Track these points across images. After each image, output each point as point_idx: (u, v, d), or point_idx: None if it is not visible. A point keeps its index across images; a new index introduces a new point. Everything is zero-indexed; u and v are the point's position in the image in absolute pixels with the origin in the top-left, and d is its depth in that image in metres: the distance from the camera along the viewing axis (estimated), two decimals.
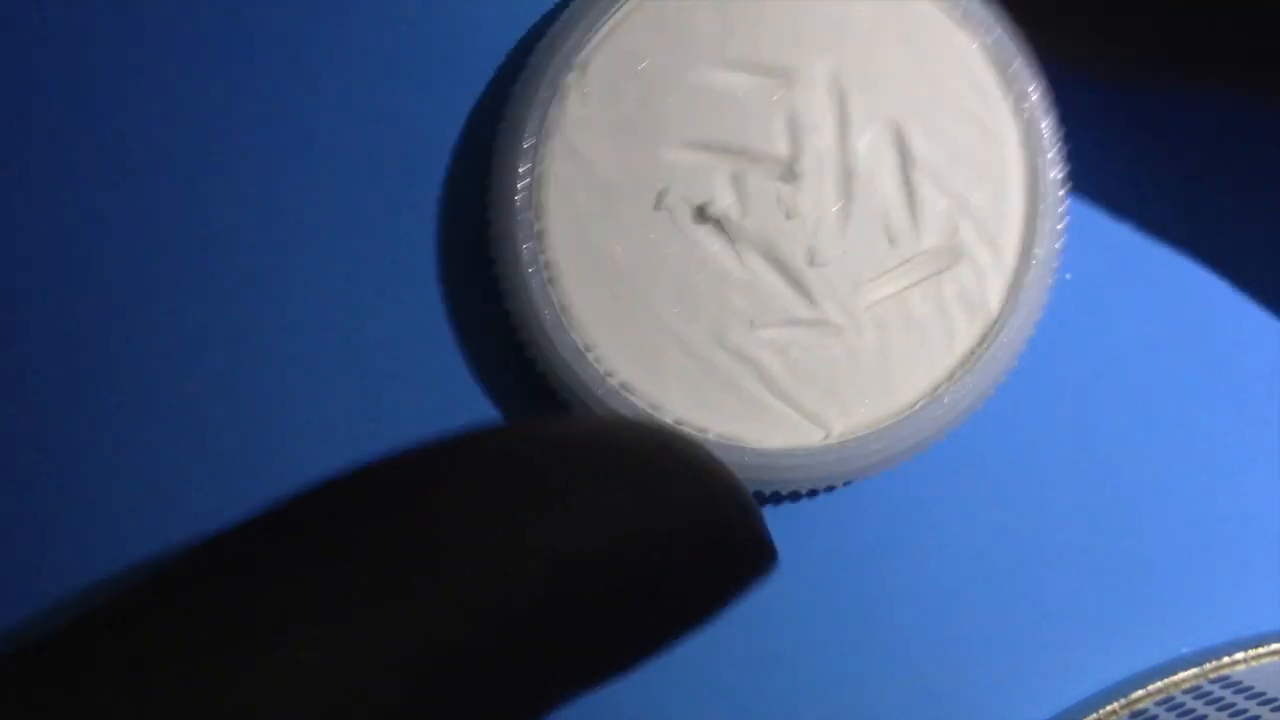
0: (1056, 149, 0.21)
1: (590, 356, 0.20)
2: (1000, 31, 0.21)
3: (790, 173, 0.20)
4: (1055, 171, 0.21)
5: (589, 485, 0.14)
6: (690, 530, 0.15)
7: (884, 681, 0.22)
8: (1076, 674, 0.22)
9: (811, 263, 0.20)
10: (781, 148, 0.20)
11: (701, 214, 0.20)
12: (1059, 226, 0.21)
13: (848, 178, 0.20)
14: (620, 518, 0.14)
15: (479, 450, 0.15)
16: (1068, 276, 0.23)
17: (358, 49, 0.22)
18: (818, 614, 0.22)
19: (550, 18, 0.22)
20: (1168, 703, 0.21)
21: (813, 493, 0.21)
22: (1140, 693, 0.22)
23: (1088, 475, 0.22)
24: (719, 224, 0.20)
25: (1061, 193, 0.21)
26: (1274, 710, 0.20)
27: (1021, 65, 0.21)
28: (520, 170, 0.20)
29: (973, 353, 0.20)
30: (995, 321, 0.20)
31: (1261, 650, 0.22)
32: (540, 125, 0.20)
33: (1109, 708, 0.21)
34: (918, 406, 0.20)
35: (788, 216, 0.20)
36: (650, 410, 0.20)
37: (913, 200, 0.21)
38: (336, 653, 0.11)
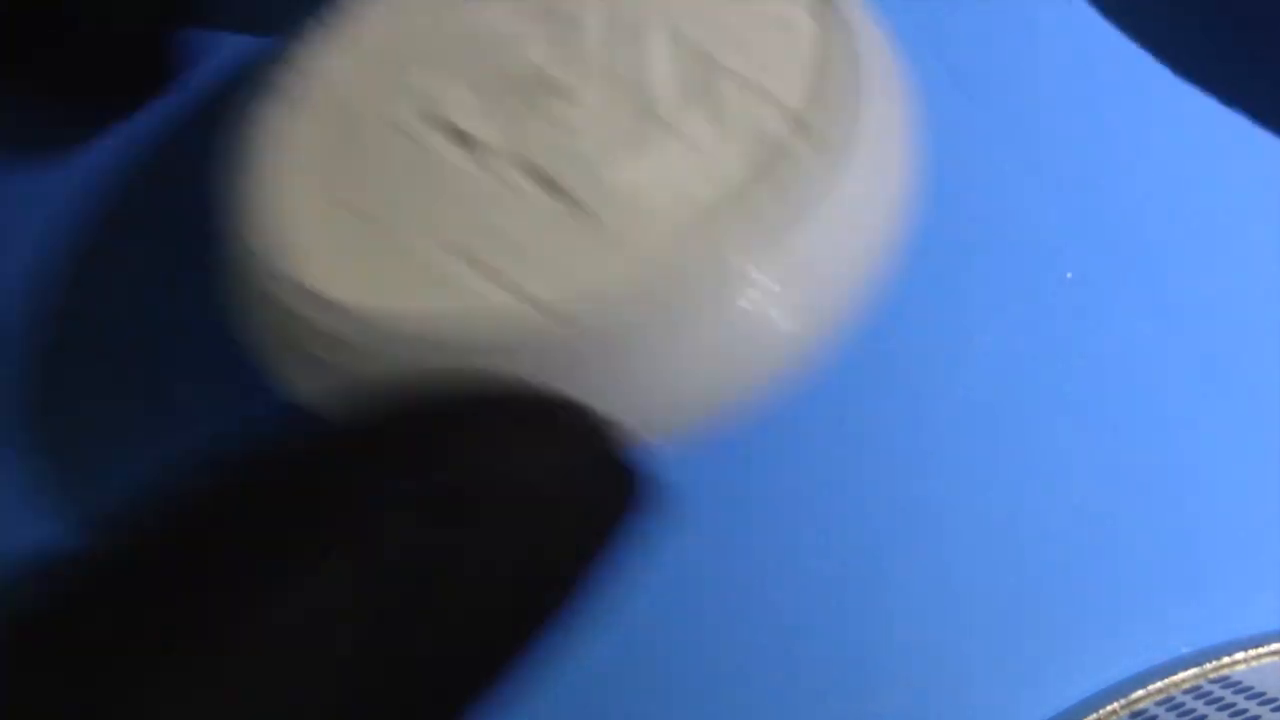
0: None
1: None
2: None
3: (568, 91, 0.19)
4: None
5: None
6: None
7: (885, 681, 0.22)
8: (1076, 674, 0.22)
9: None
10: (554, 66, 0.19)
11: (464, 138, 0.19)
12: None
13: (636, 83, 0.19)
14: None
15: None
16: (1068, 275, 0.23)
17: None
18: (814, 612, 0.22)
19: None
20: (1168, 703, 0.21)
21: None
22: (1140, 693, 0.21)
23: (1088, 475, 0.22)
24: (481, 144, 0.19)
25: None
26: (1274, 710, 0.20)
27: None
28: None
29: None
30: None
31: (1261, 650, 0.22)
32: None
33: (1109, 708, 0.21)
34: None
35: (551, 117, 0.19)
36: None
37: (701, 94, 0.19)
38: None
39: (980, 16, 0.23)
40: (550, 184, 0.18)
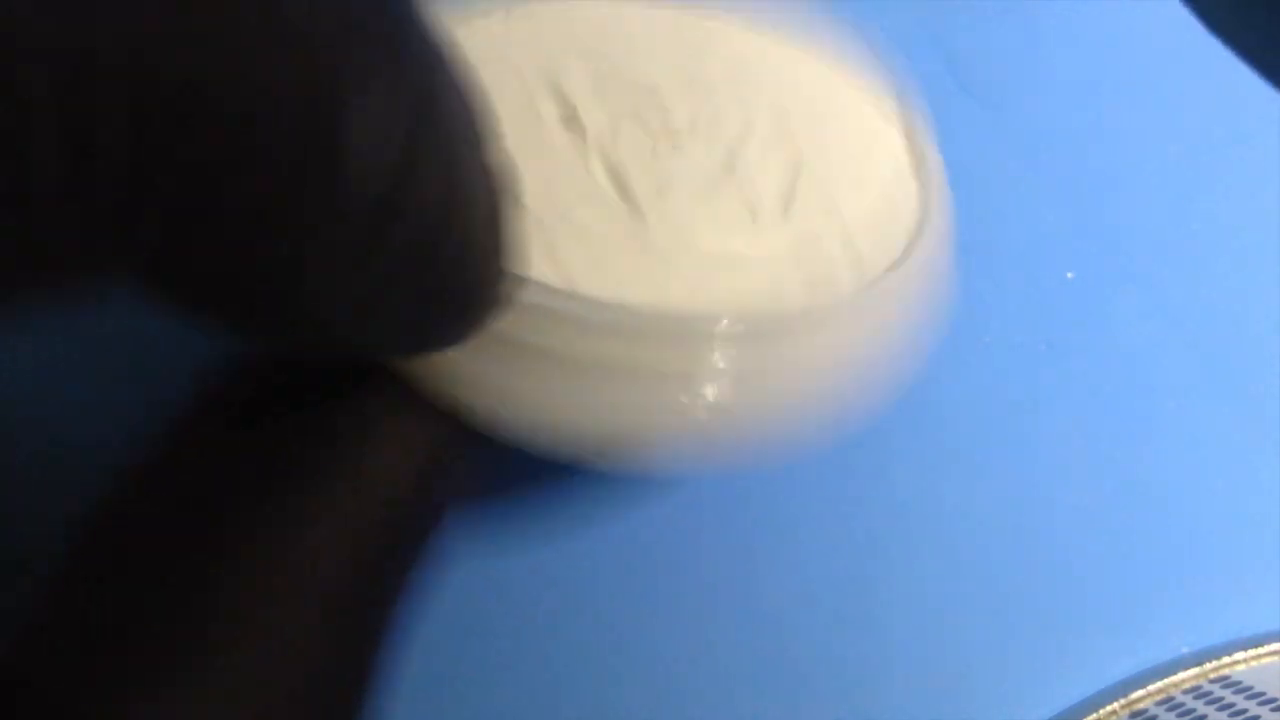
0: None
1: None
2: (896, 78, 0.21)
3: (674, 122, 0.20)
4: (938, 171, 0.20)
5: None
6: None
7: (886, 680, 0.22)
8: (1076, 674, 0.22)
9: (658, 194, 0.19)
10: (678, 103, 0.20)
11: (570, 122, 0.20)
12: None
13: (732, 154, 0.20)
14: None
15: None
16: (1069, 275, 0.23)
17: None
18: (815, 612, 0.22)
19: None
20: (1168, 703, 0.21)
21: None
22: (1140, 693, 0.21)
23: (1089, 475, 0.22)
24: (584, 135, 0.19)
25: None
26: (1274, 710, 0.20)
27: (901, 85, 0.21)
28: None
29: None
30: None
31: (1261, 650, 0.22)
32: None
33: (1109, 708, 0.21)
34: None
35: (654, 148, 0.20)
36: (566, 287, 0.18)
37: (789, 193, 0.20)
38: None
39: (983, 16, 0.23)
40: (623, 188, 0.19)
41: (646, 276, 0.18)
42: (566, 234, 0.19)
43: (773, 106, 0.21)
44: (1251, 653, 0.22)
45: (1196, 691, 0.21)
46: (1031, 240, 0.23)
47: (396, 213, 0.10)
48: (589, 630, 0.22)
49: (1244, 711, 0.20)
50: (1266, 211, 0.23)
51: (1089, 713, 0.21)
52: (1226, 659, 0.22)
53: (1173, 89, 0.23)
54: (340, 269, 0.10)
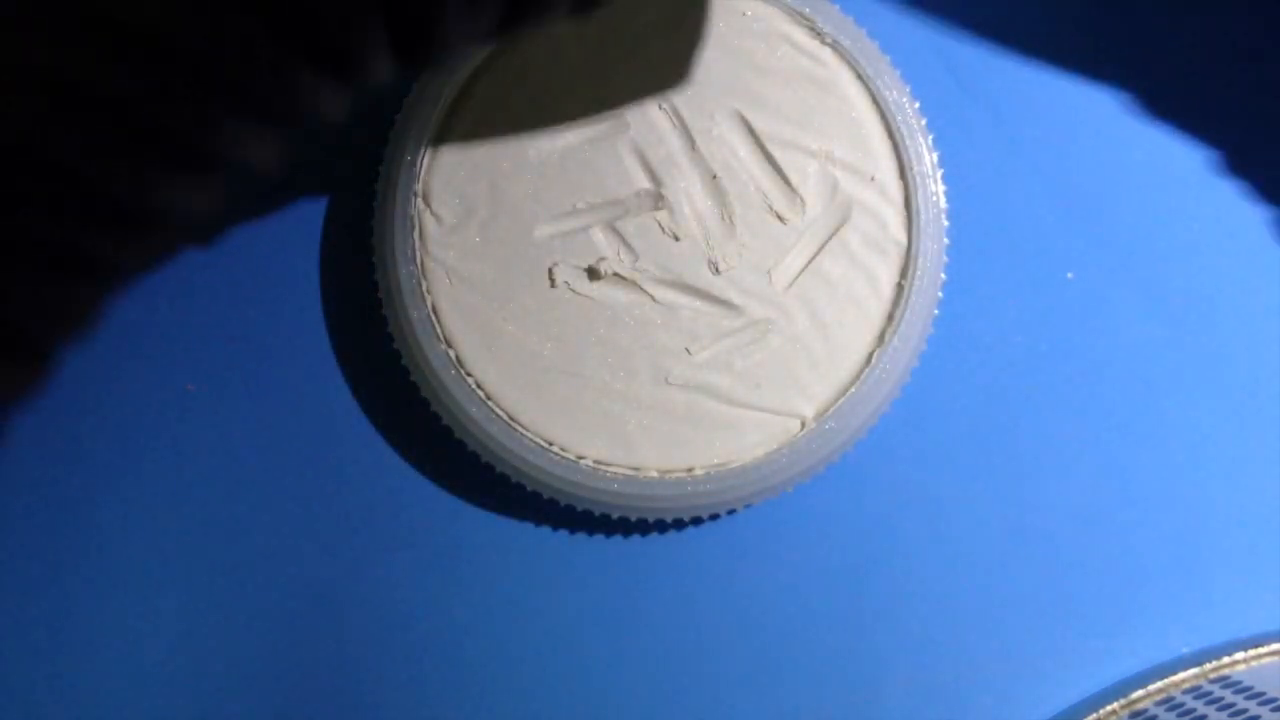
0: (891, 71, 0.21)
1: (555, 450, 0.20)
2: None
3: (660, 200, 0.21)
4: (897, 92, 0.21)
5: None
6: None
7: (886, 681, 0.22)
8: (1076, 674, 0.22)
9: (717, 272, 0.20)
10: (642, 181, 0.21)
11: (595, 274, 0.20)
12: (926, 140, 0.21)
13: (714, 180, 0.21)
14: None
15: None
16: (1069, 275, 0.23)
17: None
18: (815, 612, 0.22)
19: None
20: (1168, 703, 0.21)
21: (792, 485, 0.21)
22: (1140, 693, 0.21)
23: (1088, 475, 0.22)
24: (617, 276, 0.20)
25: (914, 107, 0.21)
26: (1274, 710, 0.20)
27: (826, 8, 0.21)
28: (414, 316, 0.20)
29: (900, 286, 0.21)
30: (908, 249, 0.21)
31: (1261, 650, 0.22)
32: (412, 260, 0.20)
33: (1109, 708, 0.21)
34: (872, 361, 0.20)
35: (676, 240, 0.21)
36: (632, 473, 0.20)
37: (783, 175, 0.21)
38: None
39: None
40: (727, 304, 0.21)
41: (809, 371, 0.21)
42: (734, 376, 0.20)
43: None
44: (1251, 653, 0.22)
45: (1196, 691, 0.21)
46: (1031, 240, 0.23)
47: None
48: (590, 629, 0.22)
49: (1244, 711, 0.20)
50: (1267, 211, 0.23)
51: (1089, 713, 0.21)
52: (1226, 659, 0.22)
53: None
54: None
